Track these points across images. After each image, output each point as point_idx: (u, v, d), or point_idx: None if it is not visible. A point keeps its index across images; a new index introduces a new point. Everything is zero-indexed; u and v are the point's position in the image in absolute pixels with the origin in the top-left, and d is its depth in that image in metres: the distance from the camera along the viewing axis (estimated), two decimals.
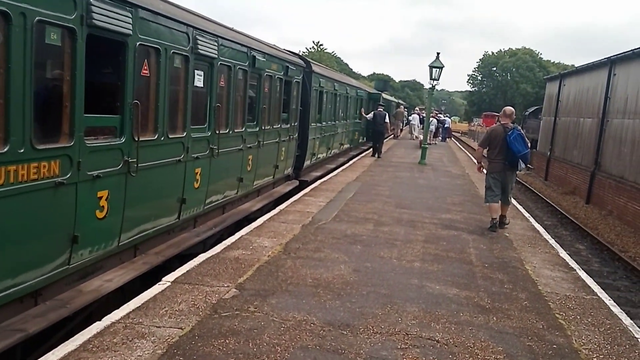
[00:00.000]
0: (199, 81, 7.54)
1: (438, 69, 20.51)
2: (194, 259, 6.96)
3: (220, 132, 8.27)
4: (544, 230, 11.08)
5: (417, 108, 39.25)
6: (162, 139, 6.59)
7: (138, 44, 5.81)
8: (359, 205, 11.56)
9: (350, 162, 20.98)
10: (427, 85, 21.44)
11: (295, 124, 12.97)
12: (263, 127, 10.24)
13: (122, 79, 5.67)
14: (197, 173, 7.75)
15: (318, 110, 15.92)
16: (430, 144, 31.76)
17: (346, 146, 22.52)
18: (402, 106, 42.83)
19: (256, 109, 10.01)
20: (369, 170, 18.17)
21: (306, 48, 79.65)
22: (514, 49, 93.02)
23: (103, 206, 5.54)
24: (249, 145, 9.67)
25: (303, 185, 14.35)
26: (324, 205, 11.32)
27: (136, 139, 5.84)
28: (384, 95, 34.54)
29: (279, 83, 11.34)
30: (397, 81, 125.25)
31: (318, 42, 77.52)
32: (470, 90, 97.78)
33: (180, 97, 7.05)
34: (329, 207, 11.09)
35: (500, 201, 9.98)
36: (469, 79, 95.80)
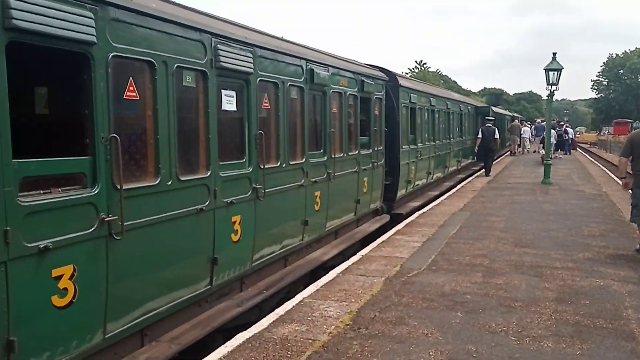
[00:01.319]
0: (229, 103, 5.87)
1: (556, 72, 17.38)
2: (228, 343, 5.12)
3: (266, 167, 6.47)
4: None
5: (526, 122, 34.99)
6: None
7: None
8: (465, 244, 9.13)
9: (458, 186, 18.33)
10: (545, 95, 18.26)
11: (380, 148, 10.90)
12: (333, 156, 8.32)
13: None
14: (235, 222, 5.99)
15: (411, 130, 13.70)
16: (553, 158, 28.25)
17: (452, 169, 19.89)
18: (517, 119, 38.74)
19: (322, 133, 8.13)
20: (480, 195, 15.47)
21: (408, 69, 77.33)
22: None
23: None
24: (313, 180, 7.77)
25: (396, 219, 12.15)
26: (418, 246, 9.05)
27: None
28: (493, 108, 31.23)
29: (352, 101, 9.40)
30: (511, 94, 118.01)
31: (421, 61, 74.69)
32: (596, 97, 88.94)
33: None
34: (424, 249, 8.80)
35: None
36: (593, 85, 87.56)
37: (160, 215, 4.79)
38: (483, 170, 23.01)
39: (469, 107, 23.14)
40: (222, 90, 5.76)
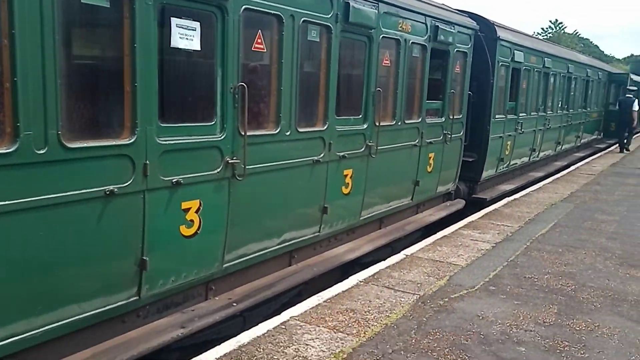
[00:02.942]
0: None
1: None
2: None
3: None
4: None
5: None
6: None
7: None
8: (550, 253, 6.87)
9: (573, 167, 15.30)
10: None
11: (459, 116, 8.67)
12: (377, 123, 6.40)
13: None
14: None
15: (512, 96, 11.14)
16: None
17: (568, 145, 16.71)
18: None
19: (363, 93, 6.22)
20: (595, 182, 12.56)
21: (542, 29, 69.89)
22: None
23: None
24: (343, 154, 5.95)
25: (478, 205, 9.94)
26: (486, 249, 6.96)
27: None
28: (633, 77, 26.40)
29: (418, 52, 7.27)
30: None
31: (556, 20, 66.95)
32: None
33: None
34: (492, 256, 6.71)
35: None
36: None
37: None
38: (613, 147, 19.84)
39: (599, 73, 19.30)
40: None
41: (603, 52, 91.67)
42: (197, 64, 4.27)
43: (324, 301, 5.08)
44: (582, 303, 5.30)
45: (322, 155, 5.61)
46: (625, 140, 19.54)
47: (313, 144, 5.51)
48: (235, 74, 4.34)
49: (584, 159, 17.55)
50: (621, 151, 19.33)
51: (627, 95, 19.07)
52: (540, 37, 60.31)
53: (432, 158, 8.12)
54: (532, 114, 12.42)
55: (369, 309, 4.95)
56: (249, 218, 4.83)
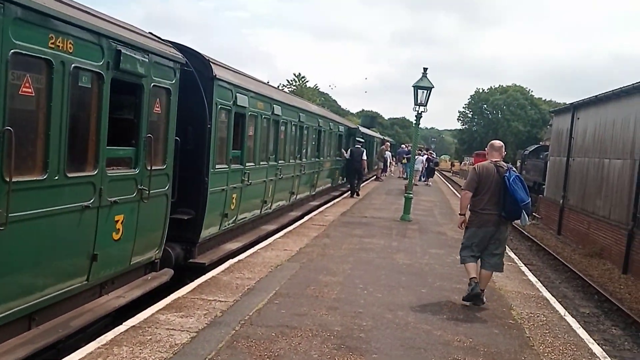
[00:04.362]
0: None
1: (425, 90, 14.83)
2: None
3: None
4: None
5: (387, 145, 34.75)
6: None
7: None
8: (261, 340, 5.53)
9: (307, 217, 15.01)
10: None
11: (162, 167, 7.01)
12: (8, 180, 4.33)
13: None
14: None
15: (236, 144, 10.02)
16: (418, 184, 27.43)
17: (302, 195, 16.56)
18: (388, 143, 36.95)
19: None
20: (326, 234, 12.20)
21: (287, 80, 74.53)
22: (504, 86, 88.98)
23: None
24: None
25: (194, 273, 8.33)
26: (182, 343, 5.28)
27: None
28: (361, 129, 28.94)
29: (89, 81, 5.41)
30: (386, 118, 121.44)
31: (299, 74, 72.12)
32: (461, 128, 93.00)
33: None
34: (185, 355, 5.04)
35: (483, 267, 7.43)
36: (459, 116, 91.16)
37: None
38: (345, 194, 21.11)
39: (330, 124, 20.09)
40: None
41: (340, 106, 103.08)
42: None
43: None
44: None
45: None
46: (355, 186, 21.04)
47: None
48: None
49: (320, 207, 17.69)
50: (352, 196, 20.72)
51: (356, 146, 21.01)
52: (286, 89, 64.18)
53: (120, 222, 6.22)
54: (261, 163, 11.54)
55: None
56: None
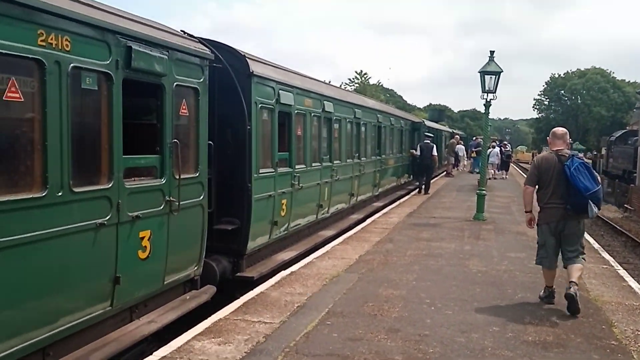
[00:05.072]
0: None
1: (493, 76, 13.46)
2: None
3: None
4: None
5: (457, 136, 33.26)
6: None
7: None
8: None
9: (369, 220, 14.00)
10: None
11: (194, 175, 6.31)
12: None
13: None
14: None
15: (283, 146, 9.23)
16: (495, 178, 25.85)
17: (365, 196, 15.59)
18: (457, 136, 35.10)
19: None
20: (389, 239, 11.17)
21: (349, 79, 73.48)
22: (582, 69, 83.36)
23: None
24: None
25: (243, 287, 7.62)
26: None
27: None
28: (427, 123, 27.50)
29: (95, 83, 4.75)
30: (455, 111, 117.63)
31: (361, 71, 71.03)
32: (537, 116, 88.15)
33: None
34: None
35: (564, 262, 6.75)
36: (534, 105, 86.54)
37: None
38: (413, 192, 20.27)
39: (391, 119, 18.96)
40: None
41: (406, 101, 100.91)
42: None
43: None
44: None
45: None
46: (424, 183, 20.06)
47: None
48: None
49: (384, 208, 16.62)
50: (419, 192, 19.87)
51: (425, 141, 19.78)
52: (348, 87, 63.21)
53: (147, 238, 5.56)
54: (313, 165, 10.71)
55: None
56: None
